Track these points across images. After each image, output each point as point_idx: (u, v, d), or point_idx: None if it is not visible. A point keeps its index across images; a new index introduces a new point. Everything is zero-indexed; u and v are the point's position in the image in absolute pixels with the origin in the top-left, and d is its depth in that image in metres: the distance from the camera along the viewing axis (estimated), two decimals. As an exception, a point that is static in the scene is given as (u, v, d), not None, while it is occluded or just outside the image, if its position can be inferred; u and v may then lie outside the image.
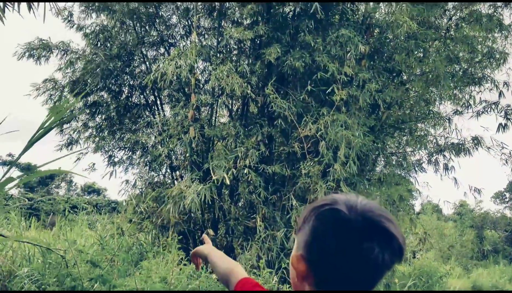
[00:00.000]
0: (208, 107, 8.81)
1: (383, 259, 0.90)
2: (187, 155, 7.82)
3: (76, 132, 9.72)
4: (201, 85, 8.40)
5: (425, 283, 12.11)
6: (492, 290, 14.08)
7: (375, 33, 9.05)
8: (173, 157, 8.57)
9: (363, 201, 0.98)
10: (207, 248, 1.65)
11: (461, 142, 9.70)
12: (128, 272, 3.58)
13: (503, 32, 9.09)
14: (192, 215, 6.85)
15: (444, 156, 9.92)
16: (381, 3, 8.57)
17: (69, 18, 9.25)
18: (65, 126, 9.81)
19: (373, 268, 0.91)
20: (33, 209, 20.78)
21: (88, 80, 9.04)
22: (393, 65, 8.60)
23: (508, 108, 9.37)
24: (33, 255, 6.26)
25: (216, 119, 9.36)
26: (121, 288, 3.15)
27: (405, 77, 9.48)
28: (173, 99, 9.23)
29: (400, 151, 10.37)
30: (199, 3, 8.72)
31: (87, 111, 9.58)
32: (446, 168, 9.90)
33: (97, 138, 9.62)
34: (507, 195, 32.17)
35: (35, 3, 3.91)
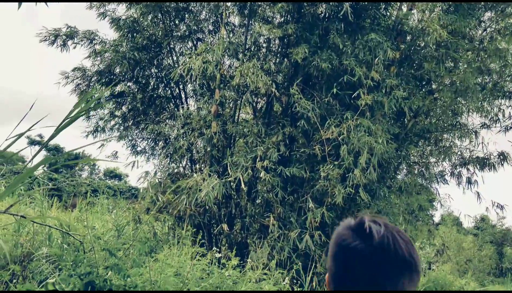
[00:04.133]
0: (231, 104, 8.85)
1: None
2: (208, 149, 7.87)
3: (102, 120, 9.92)
4: (226, 81, 8.44)
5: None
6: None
7: (406, 40, 8.92)
8: (194, 150, 8.65)
9: (380, 229, 1.05)
10: None
11: (486, 156, 9.49)
12: (143, 262, 3.65)
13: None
14: (207, 208, 6.90)
15: (468, 169, 9.72)
16: (414, 10, 8.44)
17: (102, 9, 9.39)
18: (92, 113, 10.01)
19: None
20: (56, 189, 21.31)
21: (116, 70, 9.19)
22: (422, 73, 8.46)
23: (539, 124, 9.12)
24: (53, 236, 6.42)
25: (239, 116, 9.40)
26: (135, 278, 3.21)
27: (433, 86, 9.31)
28: (198, 94, 9.31)
29: (423, 160, 10.21)
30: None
31: (114, 100, 9.76)
32: (469, 181, 9.70)
33: (122, 128, 9.79)
34: (532, 212, 31.24)
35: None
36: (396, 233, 1.03)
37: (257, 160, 7.59)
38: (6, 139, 2.18)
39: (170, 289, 3.12)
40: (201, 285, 3.47)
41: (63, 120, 2.29)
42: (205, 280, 3.58)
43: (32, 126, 2.23)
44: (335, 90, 7.67)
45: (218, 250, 5.18)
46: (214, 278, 3.70)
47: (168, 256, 4.15)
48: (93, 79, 9.39)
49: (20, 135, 2.47)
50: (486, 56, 8.97)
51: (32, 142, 29.95)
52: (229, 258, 4.78)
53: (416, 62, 8.84)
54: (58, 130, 2.33)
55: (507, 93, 9.24)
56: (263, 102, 9.25)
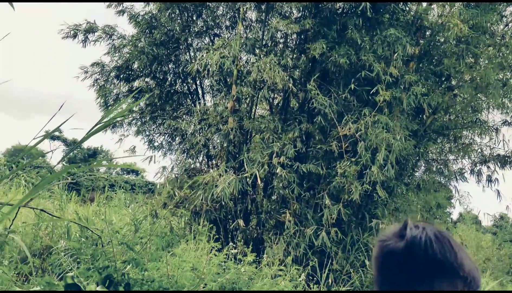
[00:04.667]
0: (248, 100, 8.85)
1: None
2: (224, 145, 7.89)
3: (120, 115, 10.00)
4: (243, 77, 8.43)
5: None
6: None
7: (425, 35, 8.79)
8: (210, 146, 8.68)
9: (416, 230, 1.04)
10: None
11: (507, 154, 9.30)
12: (160, 257, 3.69)
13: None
14: (223, 203, 6.93)
15: (488, 167, 9.54)
16: (434, 4, 8.29)
17: (120, 7, 9.46)
18: (110, 109, 10.10)
19: None
20: (75, 184, 21.64)
21: (134, 66, 9.27)
22: (441, 69, 8.32)
23: (562, 121, 8.89)
24: (71, 229, 6.53)
25: (256, 112, 9.39)
26: (153, 272, 3.25)
27: (453, 83, 9.16)
28: (215, 89, 9.32)
29: (442, 157, 10.06)
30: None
31: (132, 96, 9.83)
32: (489, 179, 9.52)
33: (139, 123, 9.88)
34: (554, 211, 30.58)
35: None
36: (434, 235, 1.01)
37: (274, 156, 7.58)
38: (34, 138, 2.20)
39: (187, 284, 3.15)
40: (217, 280, 3.48)
41: (95, 126, 2.31)
42: (221, 276, 3.60)
43: (61, 125, 2.26)
44: (352, 86, 7.61)
45: (234, 245, 5.21)
46: (231, 274, 3.71)
47: (185, 251, 4.18)
48: (111, 74, 9.49)
49: (49, 134, 2.51)
50: (508, 51, 8.78)
51: (51, 137, 30.47)
52: (245, 254, 4.79)
53: (436, 58, 8.70)
54: (90, 134, 2.35)
55: (530, 90, 9.02)
56: (280, 98, 9.22)
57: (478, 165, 9.64)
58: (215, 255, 4.15)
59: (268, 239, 8.01)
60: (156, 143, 9.65)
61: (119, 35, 9.48)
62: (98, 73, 9.51)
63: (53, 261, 4.16)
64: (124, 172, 35.26)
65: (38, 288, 3.02)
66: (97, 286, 2.97)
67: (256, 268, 4.80)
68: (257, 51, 8.42)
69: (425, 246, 0.98)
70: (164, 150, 9.60)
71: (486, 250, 24.15)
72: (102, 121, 2.14)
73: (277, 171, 7.50)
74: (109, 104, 10.19)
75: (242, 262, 4.38)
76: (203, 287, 3.24)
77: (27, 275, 3.96)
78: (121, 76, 9.40)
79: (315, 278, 6.83)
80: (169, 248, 4.36)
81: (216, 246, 4.85)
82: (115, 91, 9.96)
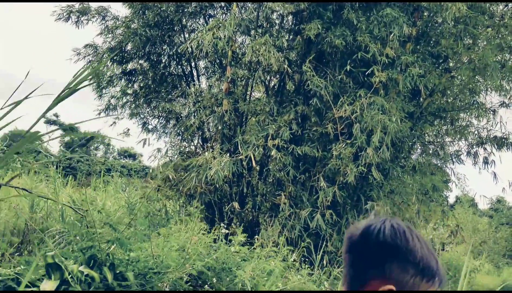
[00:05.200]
0: (243, 82, 8.74)
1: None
2: (219, 127, 7.82)
3: (114, 98, 9.93)
4: (237, 59, 8.31)
5: (451, 277, 11.84)
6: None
7: (423, 16, 8.65)
8: (205, 128, 8.60)
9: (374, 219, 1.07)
10: None
11: (504, 136, 9.24)
12: (146, 236, 3.65)
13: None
14: (217, 186, 6.88)
15: (485, 148, 9.48)
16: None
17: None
18: (104, 91, 10.05)
19: None
20: (71, 168, 21.60)
21: (127, 47, 9.12)
22: (439, 50, 8.21)
23: (558, 104, 8.81)
24: (66, 212, 6.50)
25: (251, 94, 9.29)
26: (138, 252, 3.21)
27: (451, 64, 9.05)
28: (209, 72, 9.21)
29: (438, 140, 10.00)
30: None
31: (125, 78, 9.73)
32: (486, 161, 9.48)
33: (133, 105, 9.78)
34: (550, 194, 30.73)
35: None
36: (390, 224, 1.02)
37: (269, 138, 7.52)
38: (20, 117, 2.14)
39: (172, 264, 3.11)
40: (205, 260, 3.45)
41: (63, 90, 2.23)
42: (210, 256, 3.56)
43: (27, 96, 2.18)
44: (348, 67, 7.51)
45: (225, 226, 5.17)
46: (219, 253, 3.68)
47: (174, 232, 4.14)
48: (104, 56, 9.36)
49: (41, 116, 2.43)
50: (507, 32, 8.65)
51: (48, 121, 30.33)
52: (236, 235, 4.75)
53: (433, 39, 8.58)
54: (59, 99, 2.28)
55: (528, 71, 8.91)
56: (276, 80, 9.13)
57: (474, 147, 9.60)
58: (203, 234, 4.12)
59: (264, 221, 7.99)
60: (150, 126, 9.57)
61: (112, 16, 9.33)
62: (91, 55, 9.38)
63: (34, 239, 4.13)
64: (121, 157, 35.23)
65: (20, 268, 2.99)
66: (81, 266, 2.93)
67: (249, 249, 4.77)
68: (252, 32, 8.29)
69: (377, 232, 1.01)
70: (158, 132, 9.53)
71: (482, 233, 24.32)
72: (69, 86, 2.07)
73: (272, 154, 7.44)
74: (102, 86, 10.09)
75: (233, 243, 4.35)
76: (190, 268, 3.21)
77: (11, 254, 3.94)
78: (115, 58, 9.27)
79: (309, 259, 6.83)
80: (157, 229, 4.33)
81: (207, 228, 4.81)
82: (109, 74, 9.85)
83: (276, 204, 7.98)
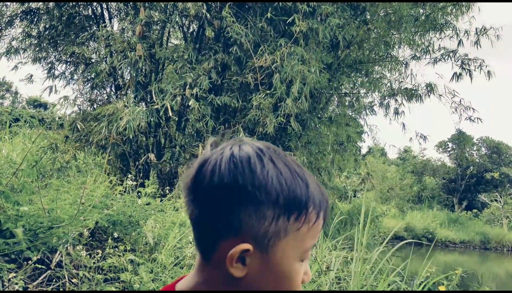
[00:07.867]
0: (159, 25, 8.22)
1: None
2: (133, 74, 7.34)
3: (16, 40, 8.94)
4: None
5: (359, 221, 12.63)
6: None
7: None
8: (118, 75, 8.04)
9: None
10: None
11: (414, 88, 9.73)
12: (37, 189, 3.32)
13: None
14: (131, 137, 6.50)
15: (396, 100, 9.96)
16: None
17: None
18: (4, 33, 9.03)
19: None
20: (-28, 119, 19.61)
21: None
22: (357, 2, 8.27)
23: (465, 57, 9.37)
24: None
25: (168, 40, 8.80)
26: (26, 205, 2.92)
27: (368, 17, 9.19)
28: (122, 14, 8.51)
29: (354, 92, 10.31)
30: None
31: (28, 18, 8.72)
32: (396, 112, 9.99)
33: (37, 48, 8.86)
34: (450, 144, 33.72)
35: None
36: (230, 154, 0.72)
37: (187, 87, 7.21)
38: None
39: (66, 217, 2.86)
40: (104, 212, 3.23)
41: None
42: (110, 208, 3.34)
43: None
44: (269, 15, 7.32)
45: (134, 177, 4.92)
46: (119, 205, 3.45)
47: (72, 185, 3.84)
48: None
49: None
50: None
51: None
52: (147, 187, 4.55)
53: (353, -11, 8.60)
54: None
55: (438, 26, 9.33)
56: (195, 26, 8.70)
57: (387, 98, 10.03)
58: (113, 188, 3.88)
59: (182, 172, 7.81)
60: (57, 72, 8.76)
61: None
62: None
63: None
64: (31, 106, 32.63)
65: None
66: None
67: (161, 201, 4.61)
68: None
69: (211, 172, 0.70)
70: (66, 79, 8.76)
71: (390, 181, 26.27)
72: None
73: (191, 103, 7.18)
74: (1, 27, 9.03)
75: (141, 195, 4.15)
76: (84, 221, 2.99)
77: None
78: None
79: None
80: (47, 180, 4.01)
81: (117, 181, 4.55)
82: (8, 13, 8.80)
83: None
